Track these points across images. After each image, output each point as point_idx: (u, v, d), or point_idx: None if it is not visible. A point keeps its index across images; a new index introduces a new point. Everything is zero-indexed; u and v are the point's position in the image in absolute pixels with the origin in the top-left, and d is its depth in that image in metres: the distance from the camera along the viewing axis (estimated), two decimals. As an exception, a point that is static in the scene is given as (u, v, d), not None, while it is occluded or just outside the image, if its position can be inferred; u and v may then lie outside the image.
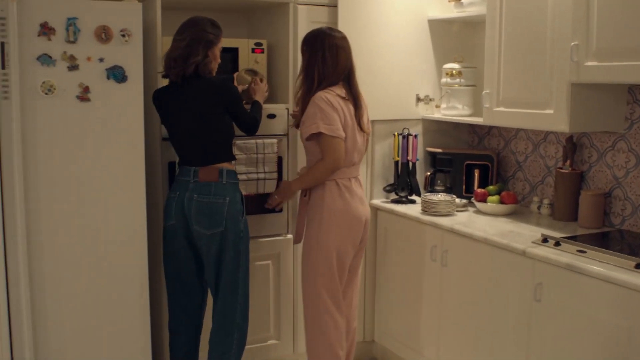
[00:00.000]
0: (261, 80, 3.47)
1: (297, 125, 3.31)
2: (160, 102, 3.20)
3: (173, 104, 3.14)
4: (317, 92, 3.15)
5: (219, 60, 3.22)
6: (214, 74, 3.21)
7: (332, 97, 3.13)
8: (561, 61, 2.98)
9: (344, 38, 3.25)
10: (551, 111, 3.06)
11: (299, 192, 3.42)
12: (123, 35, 2.97)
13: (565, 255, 2.72)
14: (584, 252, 2.73)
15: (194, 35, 3.08)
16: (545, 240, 2.91)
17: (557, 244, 2.85)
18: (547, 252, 2.79)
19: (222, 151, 3.17)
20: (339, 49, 3.20)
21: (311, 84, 3.20)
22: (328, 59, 3.17)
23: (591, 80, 2.88)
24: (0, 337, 2.86)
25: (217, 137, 3.15)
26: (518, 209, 3.63)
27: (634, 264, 2.53)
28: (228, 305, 3.17)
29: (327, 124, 3.09)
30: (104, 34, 2.94)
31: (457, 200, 3.66)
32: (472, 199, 3.71)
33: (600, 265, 2.59)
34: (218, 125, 3.13)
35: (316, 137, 3.13)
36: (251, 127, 3.25)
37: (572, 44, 2.87)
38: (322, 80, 3.18)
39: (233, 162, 3.26)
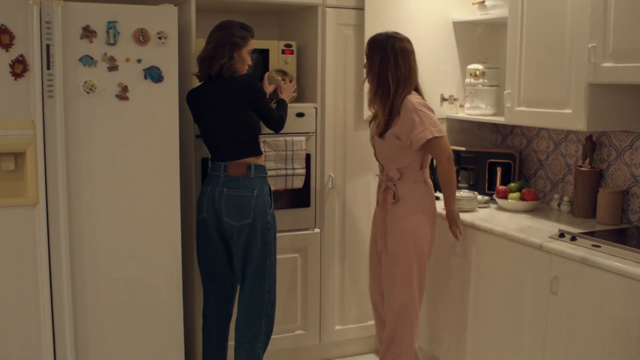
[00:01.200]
0: (290, 81, 3.60)
1: (380, 134, 3.22)
2: (192, 101, 3.35)
3: (202, 102, 3.29)
4: (401, 97, 3.13)
5: (249, 62, 3.32)
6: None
7: (422, 100, 3.17)
8: (579, 62, 3.04)
9: (410, 41, 3.22)
10: (569, 111, 3.13)
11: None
12: (160, 38, 3.11)
13: (580, 250, 2.79)
14: (599, 246, 2.80)
15: (220, 38, 3.22)
16: (562, 235, 2.98)
17: (573, 238, 2.92)
18: (563, 246, 2.86)
19: (249, 146, 3.29)
20: (410, 53, 3.19)
21: (387, 89, 3.15)
22: (401, 64, 3.14)
23: (608, 81, 2.94)
24: (44, 318, 3.04)
25: (243, 133, 3.26)
26: (539, 206, 3.69)
27: (647, 258, 2.59)
28: (255, 293, 3.28)
29: (433, 126, 3.10)
30: (141, 37, 3.08)
31: (480, 197, 3.74)
32: (494, 196, 3.77)
33: (614, 259, 2.65)
34: (244, 121, 3.25)
35: (427, 142, 3.11)
36: (277, 124, 3.35)
37: (590, 45, 2.94)
38: (398, 85, 3.14)
39: (262, 156, 3.37)
